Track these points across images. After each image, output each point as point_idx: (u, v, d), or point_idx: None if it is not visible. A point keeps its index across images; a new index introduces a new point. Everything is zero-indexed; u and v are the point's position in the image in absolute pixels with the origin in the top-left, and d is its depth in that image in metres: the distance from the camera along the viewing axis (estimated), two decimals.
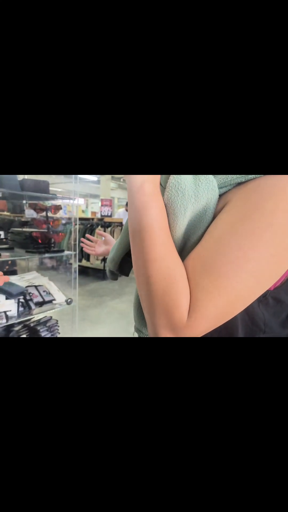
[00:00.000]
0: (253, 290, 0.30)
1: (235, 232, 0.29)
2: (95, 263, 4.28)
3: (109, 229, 4.26)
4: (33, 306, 1.54)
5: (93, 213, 5.32)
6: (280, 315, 0.39)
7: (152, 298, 0.31)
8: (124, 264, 0.56)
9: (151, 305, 0.32)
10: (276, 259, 0.30)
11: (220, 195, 0.34)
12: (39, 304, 1.58)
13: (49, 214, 1.74)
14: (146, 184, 0.33)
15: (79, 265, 4.60)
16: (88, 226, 4.43)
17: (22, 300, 1.52)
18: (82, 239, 0.91)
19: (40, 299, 1.60)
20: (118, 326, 2.60)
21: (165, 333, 0.31)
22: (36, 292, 1.62)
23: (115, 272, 0.58)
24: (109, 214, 4.81)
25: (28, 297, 1.55)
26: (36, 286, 1.66)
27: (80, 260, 4.44)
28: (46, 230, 1.69)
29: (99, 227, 4.35)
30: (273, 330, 0.38)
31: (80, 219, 4.86)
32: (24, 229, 1.73)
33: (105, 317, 2.83)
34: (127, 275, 0.58)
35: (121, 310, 3.02)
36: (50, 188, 1.77)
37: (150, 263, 0.31)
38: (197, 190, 0.33)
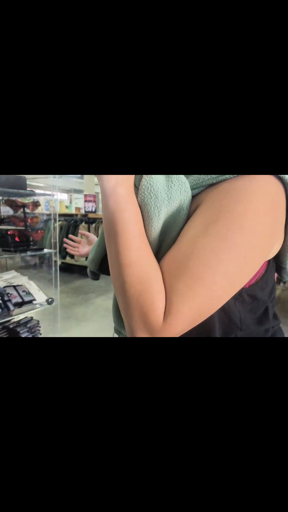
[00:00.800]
0: (227, 290, 0.31)
1: (208, 234, 0.30)
2: (80, 260, 4.21)
3: (93, 225, 4.19)
4: (11, 307, 1.48)
5: (77, 208, 5.20)
6: (256, 312, 0.40)
7: (128, 301, 0.31)
8: (104, 263, 0.56)
9: (128, 308, 0.32)
10: (248, 260, 0.30)
11: (193, 196, 0.35)
12: (18, 304, 1.53)
13: (27, 211, 1.67)
14: (120, 187, 0.32)
15: (63, 263, 4.51)
16: (72, 222, 4.34)
17: None
18: (65, 239, 0.90)
19: (19, 300, 1.54)
20: (104, 323, 2.58)
21: (141, 335, 0.31)
22: (14, 293, 1.56)
23: (96, 272, 0.58)
24: (93, 210, 4.72)
25: (6, 298, 1.49)
26: (15, 286, 1.60)
27: (64, 257, 4.35)
28: (23, 228, 1.63)
29: (83, 223, 4.27)
30: (249, 327, 0.39)
31: (63, 215, 4.74)
32: (1, 227, 1.65)
33: (91, 315, 2.80)
34: (109, 274, 0.57)
35: (108, 307, 2.99)
36: (31, 183, 1.70)
37: (126, 267, 0.31)
38: (169, 192, 0.33)
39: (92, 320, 2.67)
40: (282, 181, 0.32)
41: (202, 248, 0.29)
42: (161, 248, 0.35)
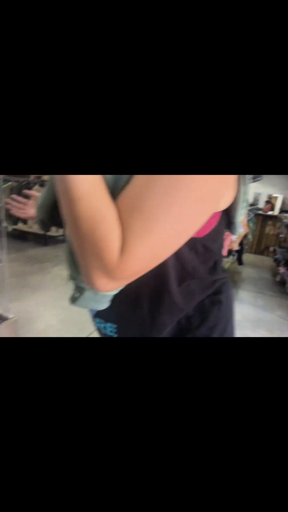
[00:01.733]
0: (180, 234, 0.32)
1: (161, 175, 0.29)
2: (34, 227, 3.91)
3: None
4: None
5: None
6: (208, 263, 0.43)
7: (81, 238, 0.30)
8: (56, 211, 0.49)
9: (81, 246, 0.30)
10: (199, 205, 0.31)
11: None
12: None
13: None
14: None
15: (14, 229, 4.13)
16: (24, 184, 3.92)
17: None
18: (6, 200, 0.77)
19: None
20: (63, 291, 2.53)
21: (97, 273, 0.30)
22: None
23: (46, 221, 0.50)
24: None
25: None
26: None
27: (15, 223, 3.99)
28: None
29: (37, 186, 3.89)
30: (202, 275, 0.43)
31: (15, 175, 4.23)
32: None
33: (49, 284, 2.70)
34: (60, 226, 0.49)
35: (66, 277, 2.92)
36: None
37: (75, 202, 0.29)
38: None
39: (50, 289, 2.58)
40: None
41: (156, 188, 0.29)
42: (117, 185, 0.32)
